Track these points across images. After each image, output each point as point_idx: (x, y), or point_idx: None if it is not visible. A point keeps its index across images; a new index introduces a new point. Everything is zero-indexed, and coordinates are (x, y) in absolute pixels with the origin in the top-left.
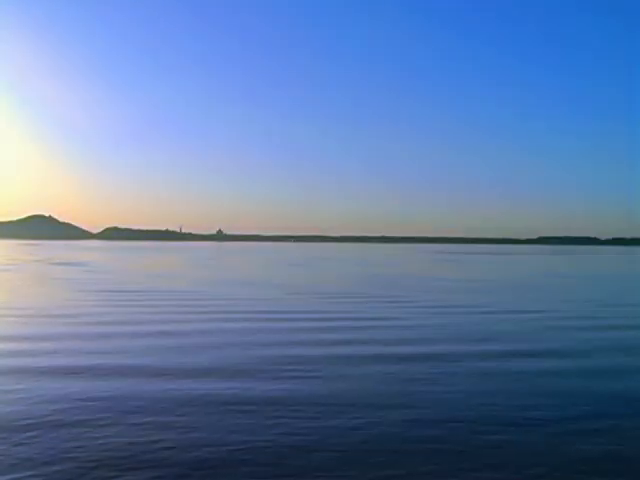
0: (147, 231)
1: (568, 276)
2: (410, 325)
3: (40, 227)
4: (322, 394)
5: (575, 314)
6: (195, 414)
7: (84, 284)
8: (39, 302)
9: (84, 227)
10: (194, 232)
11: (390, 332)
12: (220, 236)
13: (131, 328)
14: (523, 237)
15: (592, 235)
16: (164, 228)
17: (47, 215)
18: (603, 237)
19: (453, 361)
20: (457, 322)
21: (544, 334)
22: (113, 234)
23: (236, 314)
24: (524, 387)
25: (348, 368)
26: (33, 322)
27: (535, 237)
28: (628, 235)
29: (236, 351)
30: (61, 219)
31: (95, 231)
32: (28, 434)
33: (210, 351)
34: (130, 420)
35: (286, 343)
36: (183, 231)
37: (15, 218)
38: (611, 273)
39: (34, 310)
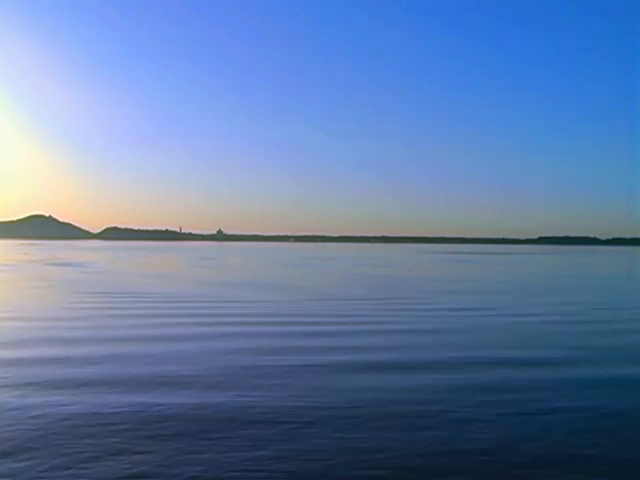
0: (147, 231)
1: (574, 277)
2: (418, 331)
3: (40, 227)
4: (318, 408)
5: (594, 318)
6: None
7: (78, 285)
8: (28, 304)
9: (84, 227)
10: (194, 232)
11: (395, 339)
12: (220, 236)
13: (118, 333)
14: (523, 237)
15: (592, 235)
16: (164, 228)
17: (47, 215)
18: (603, 237)
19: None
20: (470, 326)
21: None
22: (113, 234)
23: (233, 324)
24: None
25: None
26: (16, 326)
27: (535, 237)
28: (628, 235)
29: (228, 361)
30: (61, 219)
31: (95, 231)
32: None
33: (198, 360)
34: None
35: (280, 351)
36: (183, 231)
37: (15, 218)
38: (619, 273)
39: (20, 313)
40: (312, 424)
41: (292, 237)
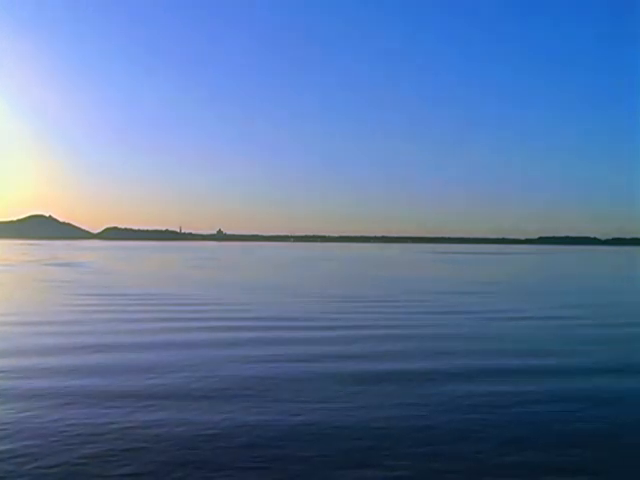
0: (147, 231)
1: (574, 277)
2: (417, 335)
3: (40, 227)
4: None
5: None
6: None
7: (77, 286)
8: (25, 306)
9: (84, 227)
10: (194, 232)
11: (398, 344)
12: (220, 236)
13: (115, 339)
14: (523, 237)
15: (592, 235)
16: (164, 228)
17: (47, 215)
18: (603, 237)
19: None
20: (476, 328)
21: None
22: (113, 234)
23: (232, 329)
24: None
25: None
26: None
27: (535, 237)
28: (628, 235)
29: (226, 368)
30: (61, 219)
31: (95, 231)
32: None
33: (197, 369)
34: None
35: (279, 358)
36: (183, 231)
37: (15, 218)
38: (620, 274)
39: (16, 316)
40: (310, 433)
41: (292, 237)
